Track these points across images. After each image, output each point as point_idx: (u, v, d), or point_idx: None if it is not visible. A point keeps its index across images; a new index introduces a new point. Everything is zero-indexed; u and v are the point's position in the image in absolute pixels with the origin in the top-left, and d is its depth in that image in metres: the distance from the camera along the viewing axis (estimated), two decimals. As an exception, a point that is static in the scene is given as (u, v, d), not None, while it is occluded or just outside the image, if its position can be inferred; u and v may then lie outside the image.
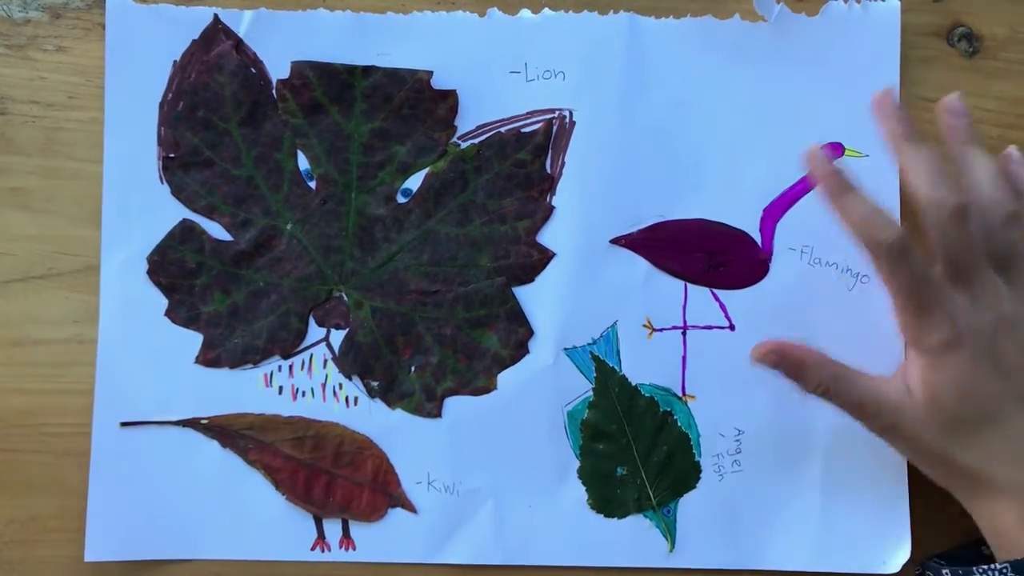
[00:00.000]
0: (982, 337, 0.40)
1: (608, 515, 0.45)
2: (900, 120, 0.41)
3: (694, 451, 0.45)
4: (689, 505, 0.45)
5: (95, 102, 0.46)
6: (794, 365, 0.41)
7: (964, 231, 0.39)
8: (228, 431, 0.45)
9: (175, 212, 0.45)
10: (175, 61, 0.45)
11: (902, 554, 0.45)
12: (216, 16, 0.45)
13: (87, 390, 0.45)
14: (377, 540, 0.45)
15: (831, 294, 0.46)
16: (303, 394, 0.45)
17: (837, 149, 0.46)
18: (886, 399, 0.41)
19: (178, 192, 0.45)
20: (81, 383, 0.45)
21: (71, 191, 0.46)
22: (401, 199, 0.46)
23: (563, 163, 0.46)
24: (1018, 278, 0.41)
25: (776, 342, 0.42)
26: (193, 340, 0.45)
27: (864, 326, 0.46)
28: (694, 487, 0.45)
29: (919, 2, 0.47)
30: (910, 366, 0.41)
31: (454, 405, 0.45)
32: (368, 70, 0.45)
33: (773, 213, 0.46)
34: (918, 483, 0.45)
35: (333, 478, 0.45)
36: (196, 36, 0.45)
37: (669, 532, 0.45)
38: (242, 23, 0.46)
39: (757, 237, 0.46)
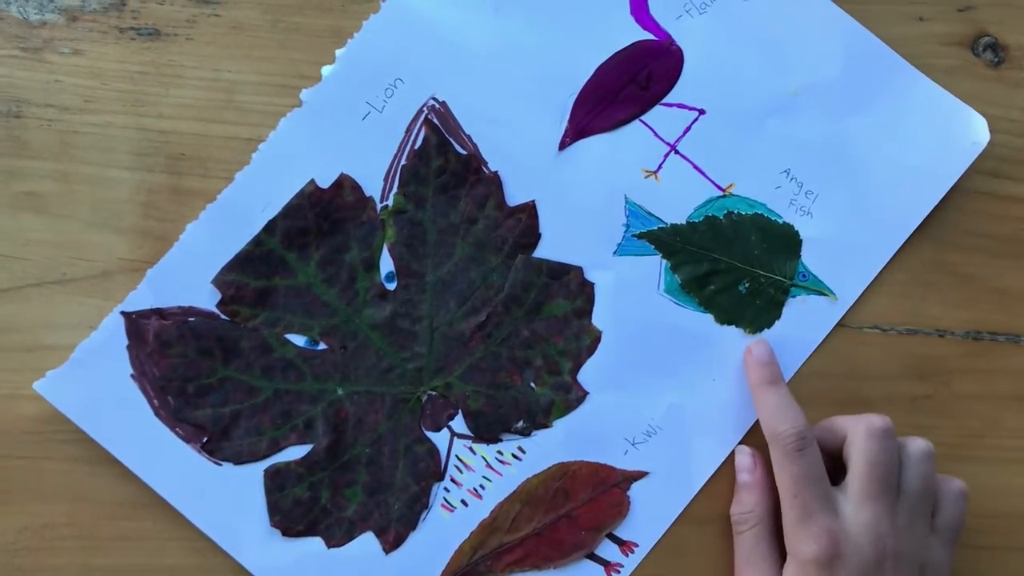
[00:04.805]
0: (862, 563, 0.39)
1: (770, 326, 0.45)
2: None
3: (774, 219, 0.46)
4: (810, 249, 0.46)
5: (111, 106, 0.45)
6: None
7: (884, 445, 0.40)
8: (470, 570, 0.44)
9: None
10: (131, 375, 0.44)
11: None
12: (123, 313, 0.44)
13: None
14: (642, 524, 0.45)
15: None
16: (481, 487, 0.45)
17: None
18: None
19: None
20: None
21: (86, 196, 0.45)
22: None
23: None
24: (918, 514, 0.40)
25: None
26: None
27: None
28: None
29: (943, 11, 0.47)
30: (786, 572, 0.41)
31: (587, 372, 0.45)
32: (269, 226, 0.44)
33: (639, 7, 0.46)
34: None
35: (566, 517, 0.44)
36: (126, 343, 0.44)
37: (821, 286, 0.46)
38: (146, 298, 0.44)
39: (644, 35, 0.46)
